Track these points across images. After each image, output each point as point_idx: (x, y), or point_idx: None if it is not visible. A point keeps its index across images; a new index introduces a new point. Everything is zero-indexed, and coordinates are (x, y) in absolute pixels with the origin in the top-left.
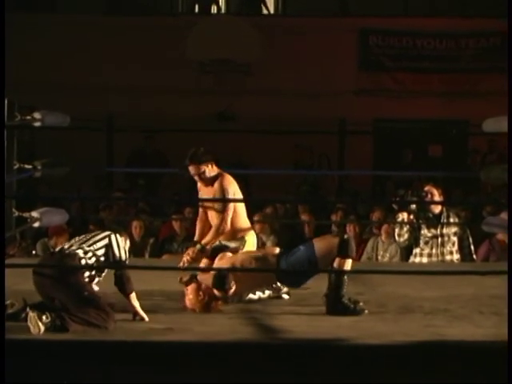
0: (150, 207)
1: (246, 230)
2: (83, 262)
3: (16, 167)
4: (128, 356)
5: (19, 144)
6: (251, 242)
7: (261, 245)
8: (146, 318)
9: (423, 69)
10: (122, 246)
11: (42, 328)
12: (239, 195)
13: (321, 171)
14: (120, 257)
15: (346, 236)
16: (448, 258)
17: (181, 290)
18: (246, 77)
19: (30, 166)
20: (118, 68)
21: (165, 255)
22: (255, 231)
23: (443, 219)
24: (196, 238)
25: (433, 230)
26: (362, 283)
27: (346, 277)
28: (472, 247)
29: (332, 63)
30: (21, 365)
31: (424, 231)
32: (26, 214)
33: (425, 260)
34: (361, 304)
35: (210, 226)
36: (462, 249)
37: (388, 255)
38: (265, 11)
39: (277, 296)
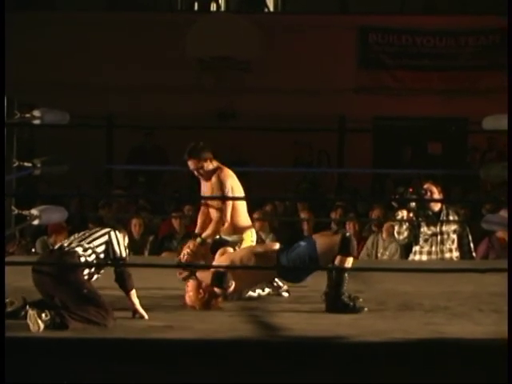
0: (149, 205)
1: (246, 226)
2: (82, 259)
3: (15, 165)
4: (128, 353)
5: (19, 142)
6: (251, 238)
7: (260, 241)
8: (146, 316)
9: (423, 66)
10: (121, 242)
11: (42, 326)
12: (238, 189)
13: (320, 169)
14: (120, 254)
15: (347, 234)
16: (447, 255)
17: (181, 287)
18: (245, 74)
19: (29, 164)
20: (117, 66)
21: (164, 253)
22: (255, 228)
23: (443, 217)
24: (197, 230)
25: (432, 228)
26: (361, 281)
27: (346, 274)
28: (471, 245)
29: (331, 61)
30: (20, 363)
31: (423, 229)
32: (25, 212)
33: (424, 258)
34: (360, 300)
35: (211, 220)
36: (462, 246)
37: (388, 253)
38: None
39: (276, 294)
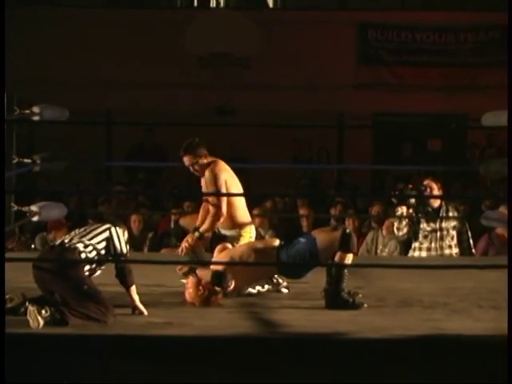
0: (149, 201)
1: (244, 221)
2: (83, 255)
3: (15, 161)
4: (127, 350)
5: (18, 138)
6: (250, 234)
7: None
8: (145, 312)
9: (422, 63)
10: (122, 238)
11: (42, 322)
12: (235, 183)
13: (320, 165)
14: (121, 249)
15: (347, 230)
16: (447, 252)
17: (180, 284)
18: (244, 71)
19: (29, 161)
20: (117, 63)
21: (164, 249)
22: (254, 225)
23: (442, 213)
24: (197, 224)
25: (432, 224)
26: (361, 277)
27: (346, 271)
28: (471, 241)
29: (331, 57)
30: (20, 359)
31: (423, 225)
32: (25, 208)
33: (424, 254)
34: (360, 296)
35: None
36: (461, 243)
37: (387, 250)
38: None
39: (276, 290)
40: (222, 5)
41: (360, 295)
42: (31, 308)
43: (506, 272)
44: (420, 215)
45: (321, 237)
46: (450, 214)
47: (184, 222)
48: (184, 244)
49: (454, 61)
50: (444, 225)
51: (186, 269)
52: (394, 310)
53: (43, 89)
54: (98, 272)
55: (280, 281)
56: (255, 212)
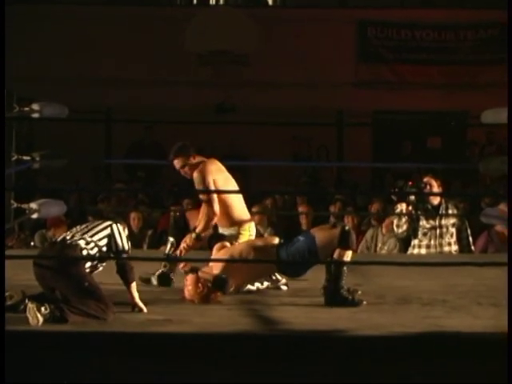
0: (148, 199)
1: (242, 219)
2: (85, 252)
3: (14, 159)
4: (127, 347)
5: (18, 136)
6: (249, 232)
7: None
8: (145, 309)
9: (422, 60)
10: (123, 235)
11: (41, 319)
12: (227, 182)
13: (319, 163)
14: (123, 246)
15: (347, 227)
16: (446, 249)
17: (180, 281)
18: (243, 68)
19: (28, 158)
20: (117, 60)
21: (163, 247)
22: (254, 222)
23: (442, 210)
24: (196, 224)
25: (431, 222)
26: (360, 274)
27: (345, 268)
28: (470, 238)
29: (330, 55)
30: (20, 356)
31: (423, 222)
32: (24, 206)
33: (423, 251)
34: (359, 293)
35: None
36: (461, 240)
37: (386, 248)
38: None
39: (275, 287)
40: (221, 2)
41: (359, 292)
42: (31, 305)
43: (506, 269)
44: (420, 212)
45: (320, 235)
46: (450, 212)
47: (189, 216)
48: (182, 245)
49: (453, 59)
50: (443, 222)
51: (189, 266)
52: (393, 307)
53: (43, 86)
54: (100, 269)
55: (279, 278)
56: (254, 209)
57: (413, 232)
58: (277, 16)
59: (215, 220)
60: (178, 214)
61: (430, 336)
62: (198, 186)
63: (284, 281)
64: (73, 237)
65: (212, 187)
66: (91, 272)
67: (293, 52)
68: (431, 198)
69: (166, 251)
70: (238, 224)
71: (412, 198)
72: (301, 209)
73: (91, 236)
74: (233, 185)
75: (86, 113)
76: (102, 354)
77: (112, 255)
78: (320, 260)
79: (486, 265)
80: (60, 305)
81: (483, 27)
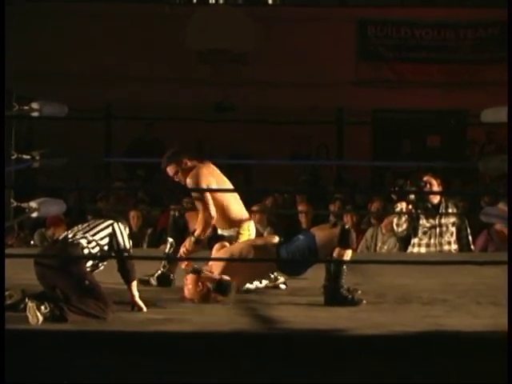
0: (148, 197)
1: (241, 219)
2: (86, 251)
3: (14, 157)
4: (126, 346)
5: (17, 134)
6: (249, 231)
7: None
8: (145, 309)
9: (422, 59)
10: (125, 234)
11: (41, 318)
12: (218, 184)
13: (319, 161)
14: (124, 245)
15: (347, 226)
16: (446, 248)
17: (180, 280)
18: (243, 67)
19: (28, 157)
20: (118, 58)
21: (163, 245)
22: (254, 221)
23: (442, 209)
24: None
25: (431, 220)
26: (360, 273)
27: (345, 267)
28: (470, 237)
29: (330, 53)
30: (19, 355)
31: (422, 221)
32: (24, 204)
33: (423, 250)
34: (359, 292)
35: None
36: (460, 239)
37: (386, 247)
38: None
39: (274, 286)
40: (221, 1)
41: (359, 292)
42: (30, 304)
43: (506, 268)
44: (419, 211)
45: (320, 234)
46: (450, 211)
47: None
48: (182, 249)
49: (453, 57)
50: (443, 221)
51: (191, 266)
52: (393, 306)
53: (43, 84)
54: (101, 268)
55: (278, 276)
56: (254, 208)
57: (413, 231)
58: (276, 15)
59: (213, 223)
60: (177, 213)
61: (430, 335)
62: (192, 191)
63: (282, 279)
64: (74, 235)
65: (207, 192)
66: (92, 271)
67: (292, 51)
68: (431, 196)
69: (166, 251)
70: (237, 224)
71: (412, 196)
72: (300, 207)
73: (93, 235)
74: (227, 186)
75: (86, 110)
76: (101, 353)
77: (113, 254)
78: (320, 259)
79: (486, 264)
80: (60, 304)
81: (483, 26)
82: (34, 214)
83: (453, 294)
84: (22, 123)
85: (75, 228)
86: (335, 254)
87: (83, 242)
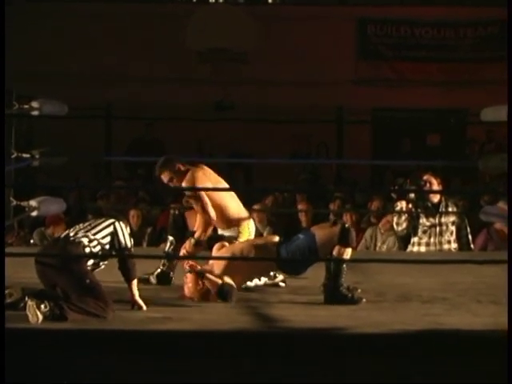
0: (148, 196)
1: (240, 218)
2: (87, 250)
3: (14, 156)
4: (126, 345)
5: (17, 133)
6: (248, 231)
7: (258, 235)
8: (144, 307)
9: (422, 58)
10: (126, 233)
11: (41, 317)
12: (218, 185)
13: (319, 160)
14: (126, 244)
15: (346, 225)
16: (446, 247)
17: (179, 279)
18: (243, 66)
19: (28, 155)
20: (118, 57)
21: (163, 244)
22: (254, 220)
23: (442, 208)
24: (195, 229)
25: (431, 219)
26: (360, 272)
27: (344, 266)
28: (470, 236)
29: (330, 52)
30: (19, 354)
31: (422, 220)
32: (23, 203)
33: (423, 249)
34: (359, 291)
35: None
36: (460, 238)
37: (385, 247)
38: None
39: (272, 283)
40: (220, 0)
41: (359, 290)
42: (30, 303)
43: (505, 267)
44: (419, 210)
45: (320, 233)
46: (450, 210)
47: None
48: (183, 251)
49: (453, 56)
50: (443, 220)
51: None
52: (393, 304)
53: (43, 84)
54: (102, 267)
55: (276, 274)
56: (255, 207)
57: (413, 230)
58: (276, 13)
59: (212, 225)
60: (177, 212)
61: (430, 333)
62: (188, 195)
63: (281, 277)
64: (76, 234)
65: (202, 194)
66: (93, 270)
67: (292, 49)
68: (431, 195)
69: (165, 249)
70: (236, 224)
71: (412, 195)
72: (300, 206)
73: (94, 234)
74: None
75: (86, 110)
76: (101, 352)
77: (115, 253)
78: (320, 258)
79: (486, 263)
80: (60, 302)
81: (483, 25)
82: (34, 213)
83: (452, 293)
84: (21, 122)
85: (77, 227)
86: (335, 253)
87: (85, 240)
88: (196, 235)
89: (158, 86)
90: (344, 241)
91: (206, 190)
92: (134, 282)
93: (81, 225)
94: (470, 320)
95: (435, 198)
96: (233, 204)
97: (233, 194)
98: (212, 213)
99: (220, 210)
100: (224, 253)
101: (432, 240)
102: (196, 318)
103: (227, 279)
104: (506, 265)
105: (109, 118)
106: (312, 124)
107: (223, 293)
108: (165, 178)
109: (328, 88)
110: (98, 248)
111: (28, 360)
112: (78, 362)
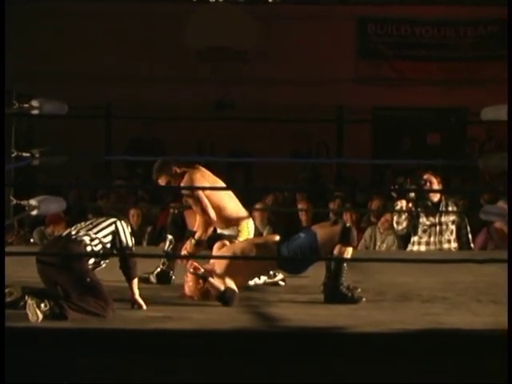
0: (148, 195)
1: (239, 217)
2: (89, 248)
3: (14, 155)
4: (126, 344)
5: (17, 132)
6: (248, 230)
7: (258, 234)
8: (145, 306)
9: (422, 57)
10: (128, 232)
11: (41, 316)
12: (215, 186)
13: (319, 159)
14: (127, 243)
15: (347, 224)
16: (446, 246)
17: (180, 278)
18: (243, 65)
19: (28, 154)
20: (118, 57)
21: (162, 243)
22: (254, 220)
23: (442, 207)
24: (195, 229)
25: (431, 219)
26: (360, 271)
27: (345, 265)
28: (470, 236)
29: (330, 51)
30: (19, 353)
31: (422, 219)
32: (23, 202)
33: (423, 248)
34: (359, 290)
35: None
36: (460, 237)
37: (385, 246)
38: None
39: (272, 282)
40: None
41: (359, 289)
42: (30, 302)
43: (505, 266)
44: (419, 209)
45: (321, 232)
46: (450, 209)
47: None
48: (183, 252)
49: (453, 55)
50: (443, 219)
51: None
52: (393, 304)
53: (43, 84)
54: (103, 266)
55: (276, 273)
56: (256, 206)
57: (413, 229)
58: (276, 12)
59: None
60: (176, 211)
61: (430, 333)
62: (186, 197)
63: (281, 276)
64: (78, 233)
65: (201, 195)
66: (94, 269)
67: (292, 48)
68: (431, 194)
69: (165, 248)
70: (235, 223)
71: (412, 194)
72: (300, 205)
73: (96, 233)
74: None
75: (86, 109)
76: (101, 351)
77: (116, 252)
78: (321, 257)
79: (486, 262)
80: (60, 301)
81: (483, 24)
82: (34, 212)
83: (452, 292)
84: (21, 121)
85: (78, 225)
86: (336, 252)
87: (86, 239)
88: (196, 236)
89: (158, 85)
90: (345, 240)
91: (206, 189)
92: (135, 281)
93: (82, 223)
94: (470, 319)
95: (435, 197)
96: (231, 204)
97: (231, 193)
98: (212, 213)
99: (219, 210)
100: (225, 252)
101: (432, 239)
102: (196, 317)
103: (230, 283)
104: (506, 264)
105: (109, 117)
106: (312, 123)
107: (225, 299)
108: (162, 182)
109: (328, 87)
110: (100, 247)
111: (28, 359)
112: (78, 362)
